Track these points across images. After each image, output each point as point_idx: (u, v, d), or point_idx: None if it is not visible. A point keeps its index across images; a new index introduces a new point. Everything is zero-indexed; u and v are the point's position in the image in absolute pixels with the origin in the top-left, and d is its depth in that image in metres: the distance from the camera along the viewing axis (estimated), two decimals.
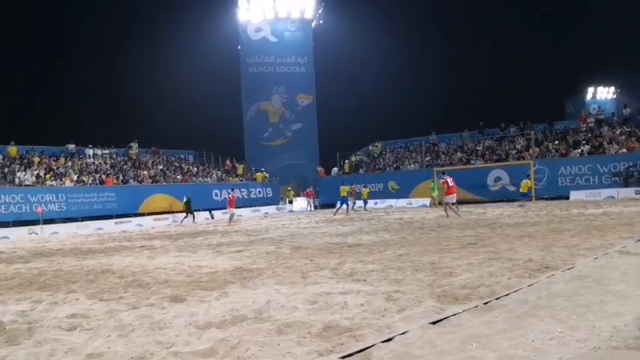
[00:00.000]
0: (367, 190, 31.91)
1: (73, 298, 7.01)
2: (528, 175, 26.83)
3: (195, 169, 36.65)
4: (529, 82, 47.18)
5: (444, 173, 23.85)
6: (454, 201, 20.79)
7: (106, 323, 5.50)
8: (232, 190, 30.07)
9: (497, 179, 30.49)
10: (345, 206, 27.46)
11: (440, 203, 27.62)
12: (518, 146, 32.68)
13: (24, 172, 26.78)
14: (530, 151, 30.95)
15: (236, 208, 27.26)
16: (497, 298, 5.57)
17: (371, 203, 33.37)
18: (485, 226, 14.94)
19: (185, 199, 28.36)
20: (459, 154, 34.56)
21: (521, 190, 26.19)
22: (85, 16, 48.25)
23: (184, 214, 28.15)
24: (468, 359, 3.76)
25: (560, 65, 48.89)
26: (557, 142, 31.35)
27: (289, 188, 38.39)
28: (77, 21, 48.41)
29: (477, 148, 34.65)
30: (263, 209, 33.87)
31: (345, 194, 28.19)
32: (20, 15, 44.30)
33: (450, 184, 20.12)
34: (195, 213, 28.49)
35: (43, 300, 7.01)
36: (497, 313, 4.97)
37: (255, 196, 35.33)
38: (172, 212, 29.04)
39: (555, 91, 50.12)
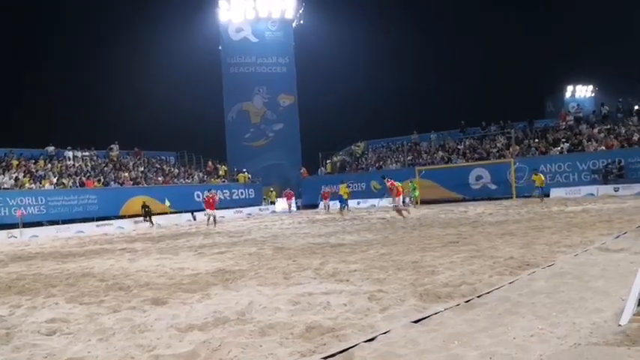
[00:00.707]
0: (345, 187, 31.16)
1: (52, 303, 6.93)
2: (536, 170, 26.64)
3: (177, 170, 36.43)
4: (509, 81, 47.55)
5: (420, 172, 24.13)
6: (403, 201, 22.37)
7: (86, 327, 5.43)
8: (210, 190, 27.71)
9: (479, 178, 30.72)
10: (344, 206, 27.61)
11: (417, 203, 27.85)
12: (499, 145, 32.96)
13: (2, 175, 26.42)
14: (511, 149, 31.22)
15: (216, 209, 25.73)
16: (479, 296, 5.61)
17: (353, 203, 33.41)
18: (467, 225, 15.03)
19: (142, 203, 27.67)
20: (441, 153, 34.75)
21: (537, 185, 25.75)
22: (62, 16, 47.64)
23: (142, 218, 27.35)
24: (450, 357, 3.77)
25: (539, 64, 49.40)
26: (537, 140, 31.65)
27: (271, 189, 38.31)
28: (54, 21, 47.85)
29: (459, 147, 34.87)
30: (245, 210, 33.78)
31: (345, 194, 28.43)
32: None
33: (397, 185, 20.58)
34: (152, 219, 27.43)
35: (22, 305, 6.91)
36: (479, 311, 5.01)
37: (237, 197, 35.22)
38: (154, 214, 28.76)
39: (535, 89, 50.61)
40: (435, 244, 10.79)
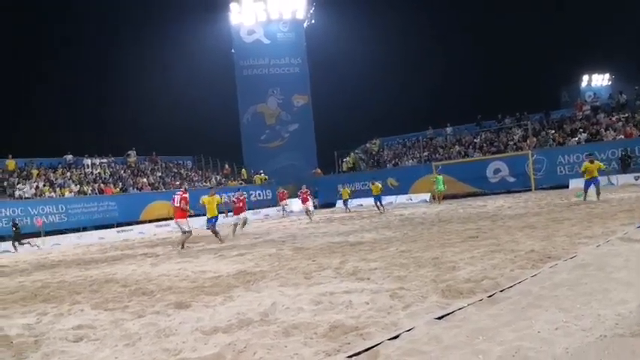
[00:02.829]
0: (347, 190, 30.80)
1: (78, 309, 7.01)
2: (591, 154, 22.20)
3: (194, 174, 36.64)
4: (524, 72, 47.16)
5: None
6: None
7: (112, 333, 5.50)
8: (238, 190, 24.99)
9: (497, 171, 30.52)
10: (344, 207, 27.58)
11: (442, 198, 27.61)
12: (515, 137, 32.69)
13: (23, 185, 26.78)
14: (528, 141, 30.97)
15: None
16: (501, 291, 5.58)
17: (370, 201, 33.32)
18: (486, 219, 14.95)
19: (12, 222, 23.36)
20: (457, 148, 34.57)
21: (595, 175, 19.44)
22: (77, 24, 48.16)
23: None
24: (474, 353, 3.77)
25: (554, 54, 48.91)
26: (553, 131, 31.35)
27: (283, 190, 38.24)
28: (69, 29, 48.31)
29: (475, 140, 34.66)
30: (263, 211, 33.86)
31: (347, 197, 29.04)
32: (8, 27, 44.24)
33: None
34: (20, 242, 22.49)
35: (48, 312, 7.00)
36: (502, 306, 4.98)
37: (254, 199, 35.33)
38: (173, 218, 28.93)
39: (550, 79, 50.09)
40: (455, 239, 10.75)
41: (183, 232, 15.54)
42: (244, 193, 27.64)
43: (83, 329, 5.78)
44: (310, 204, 24.76)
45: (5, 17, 43.83)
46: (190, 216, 15.99)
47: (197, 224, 27.09)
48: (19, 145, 32.45)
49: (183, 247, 15.21)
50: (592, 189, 18.01)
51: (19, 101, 44.56)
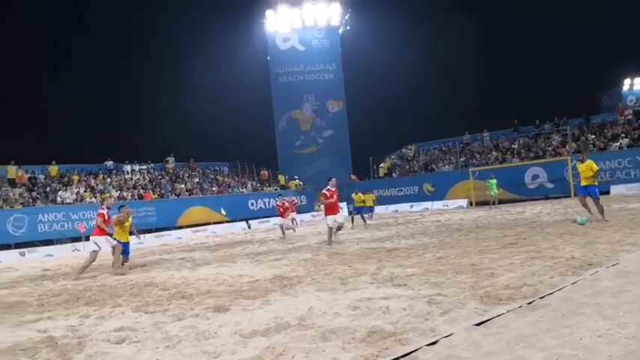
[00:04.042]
0: (372, 196, 28.82)
1: (119, 312, 7.17)
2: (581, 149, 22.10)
3: (231, 180, 37.04)
4: (563, 77, 46.33)
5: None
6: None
7: (153, 335, 5.61)
8: (280, 196, 24.87)
9: (535, 177, 30.00)
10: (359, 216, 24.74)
11: (496, 202, 27.18)
12: (554, 142, 32.11)
13: (65, 191, 27.47)
14: (567, 146, 30.39)
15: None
16: (541, 298, 5.52)
17: (406, 207, 33.22)
18: (525, 225, 14.71)
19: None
20: (495, 153, 34.14)
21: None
22: (119, 35, 49.33)
23: None
24: (515, 359, 3.73)
25: (594, 57, 47.90)
26: (594, 136, 30.69)
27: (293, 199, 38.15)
28: (109, 40, 49.50)
29: (513, 146, 34.17)
30: (298, 217, 33.91)
31: (372, 203, 27.78)
32: (49, 37, 45.58)
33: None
34: None
35: (91, 315, 7.18)
36: (542, 313, 4.92)
37: (298, 204, 35.44)
38: (210, 224, 29.34)
39: (590, 84, 49.06)
40: (493, 246, 10.62)
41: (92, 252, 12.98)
42: (294, 197, 27.98)
43: (125, 331, 5.91)
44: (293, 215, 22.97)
45: (53, 28, 45.27)
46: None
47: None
48: (62, 152, 33.31)
49: (82, 272, 12.60)
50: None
51: (64, 110, 45.81)
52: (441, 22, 48.70)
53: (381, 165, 39.95)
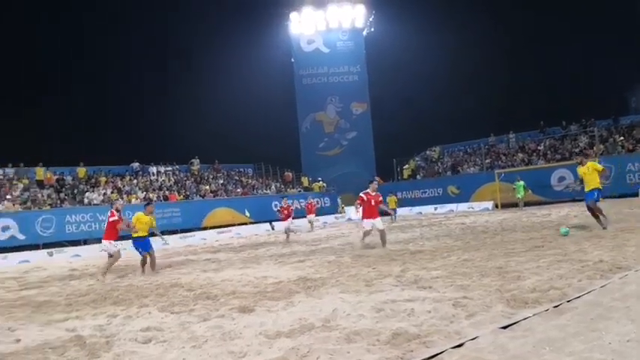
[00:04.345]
0: (394, 198, 28.77)
1: (145, 312, 7.26)
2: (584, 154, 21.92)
3: (255, 181, 37.22)
4: (590, 77, 45.51)
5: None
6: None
7: (180, 335, 5.68)
8: (284, 198, 25.55)
9: (562, 179, 29.58)
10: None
11: (523, 204, 26.91)
12: (581, 144, 31.63)
13: (92, 192, 27.88)
14: (595, 148, 29.92)
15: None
16: (568, 301, 5.46)
17: (430, 209, 33.05)
18: (551, 228, 14.53)
19: None
20: (520, 155, 33.76)
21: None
22: (141, 37, 49.89)
23: None
24: None
25: (622, 57, 47.01)
26: (622, 137, 30.16)
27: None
28: (134, 44, 50.09)
29: (539, 147, 33.75)
30: (322, 219, 33.99)
31: (395, 206, 27.42)
32: (77, 38, 46.34)
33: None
34: None
35: (118, 314, 7.29)
36: (569, 316, 4.87)
37: (318, 206, 35.49)
38: (235, 225, 29.51)
39: (618, 84, 48.09)
40: (519, 248, 10.51)
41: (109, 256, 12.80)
42: (312, 199, 28.08)
43: (151, 331, 5.99)
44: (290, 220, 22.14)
45: (80, 27, 46.04)
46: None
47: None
48: (90, 154, 33.79)
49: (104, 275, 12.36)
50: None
51: (91, 113, 46.54)
52: (464, 23, 48.26)
53: (405, 167, 39.77)
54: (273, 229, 30.33)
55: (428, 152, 41.32)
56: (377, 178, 39.89)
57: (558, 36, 45.90)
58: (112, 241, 12.76)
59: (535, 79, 46.66)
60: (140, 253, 12.93)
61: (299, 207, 29.99)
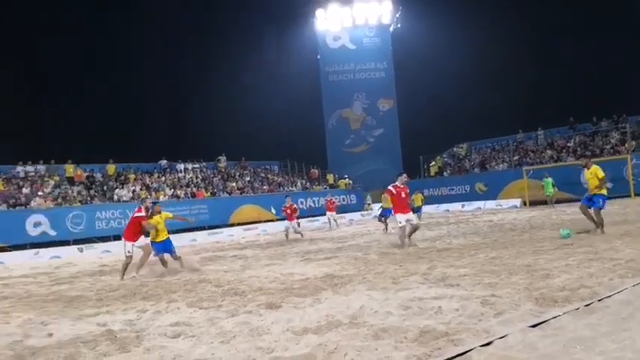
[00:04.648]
0: (420, 196, 26.27)
1: (174, 307, 7.35)
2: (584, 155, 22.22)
3: (281, 178, 37.37)
4: (622, 72, 44.57)
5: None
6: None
7: (208, 330, 5.74)
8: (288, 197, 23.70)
9: None
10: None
11: (554, 201, 26.52)
12: (612, 140, 31.05)
13: (121, 189, 28.30)
14: (627, 144, 29.34)
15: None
16: (599, 300, 5.38)
17: (457, 206, 32.77)
18: (581, 227, 14.28)
19: None
20: (549, 152, 33.27)
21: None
22: (173, 36, 50.38)
23: None
24: None
25: None
26: None
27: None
28: (167, 43, 50.57)
29: (568, 144, 33.22)
30: (348, 216, 33.98)
31: (420, 203, 24.97)
32: (107, 42, 46.98)
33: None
34: None
35: (147, 309, 7.39)
36: (600, 315, 4.80)
37: (339, 203, 35.48)
38: (261, 222, 29.66)
39: None
40: (548, 246, 10.38)
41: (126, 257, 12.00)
42: (332, 196, 28.15)
43: (180, 326, 6.07)
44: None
45: (104, 27, 46.69)
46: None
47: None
48: (119, 151, 34.26)
49: (122, 277, 11.77)
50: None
51: (121, 112, 47.18)
52: (492, 18, 47.68)
53: (432, 164, 39.52)
54: (299, 226, 30.40)
55: (455, 149, 40.97)
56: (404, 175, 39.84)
57: (587, 30, 45.03)
58: (134, 243, 11.94)
59: (563, 75, 45.81)
60: (156, 254, 12.32)
61: (306, 206, 29.96)
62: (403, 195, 13.33)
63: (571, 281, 6.52)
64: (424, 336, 4.67)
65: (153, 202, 13.48)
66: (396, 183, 13.48)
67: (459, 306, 5.75)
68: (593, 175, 12.27)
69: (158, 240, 12.40)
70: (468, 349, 4.08)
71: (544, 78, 46.10)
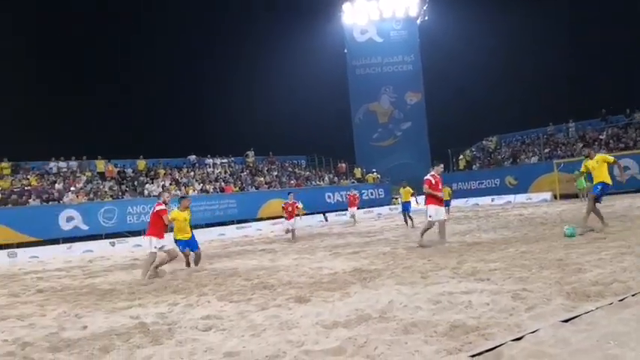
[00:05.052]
0: (448, 189, 24.50)
1: (205, 301, 7.46)
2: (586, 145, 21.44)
3: (308, 173, 37.43)
4: None
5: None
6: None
7: (239, 324, 5.81)
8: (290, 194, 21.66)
9: (625, 169, 28.49)
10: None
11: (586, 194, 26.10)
12: None
13: (151, 184, 28.67)
14: None
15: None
16: (633, 295, 5.28)
17: (487, 200, 32.45)
18: (614, 219, 13.98)
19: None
20: (580, 145, 32.66)
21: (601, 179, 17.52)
22: (200, 31, 50.82)
23: None
24: (606, 358, 3.61)
25: None
26: None
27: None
28: (196, 39, 51.02)
29: (600, 137, 32.58)
30: (376, 210, 33.90)
31: (448, 197, 23.14)
32: (139, 37, 47.52)
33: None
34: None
35: (179, 303, 7.50)
36: (634, 310, 4.72)
37: (367, 198, 35.43)
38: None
39: None
40: (580, 240, 10.22)
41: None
42: (355, 191, 28.11)
43: (211, 319, 6.16)
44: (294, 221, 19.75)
45: (134, 26, 47.27)
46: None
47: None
48: (149, 147, 34.71)
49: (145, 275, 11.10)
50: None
51: (152, 108, 47.82)
52: (522, 11, 46.94)
53: (461, 157, 39.14)
54: (326, 220, 30.47)
55: (484, 142, 40.52)
56: (441, 164, 39.45)
57: (617, 20, 44.03)
58: (160, 239, 11.46)
59: (593, 67, 44.92)
60: (181, 250, 12.16)
61: (333, 201, 29.83)
62: (440, 186, 12.67)
63: (604, 276, 6.42)
64: (454, 330, 4.66)
65: (181, 197, 13.29)
66: (433, 172, 12.80)
67: (489, 300, 5.71)
68: (600, 162, 11.67)
69: (180, 238, 12.19)
70: (499, 344, 4.05)
71: (575, 69, 45.22)
